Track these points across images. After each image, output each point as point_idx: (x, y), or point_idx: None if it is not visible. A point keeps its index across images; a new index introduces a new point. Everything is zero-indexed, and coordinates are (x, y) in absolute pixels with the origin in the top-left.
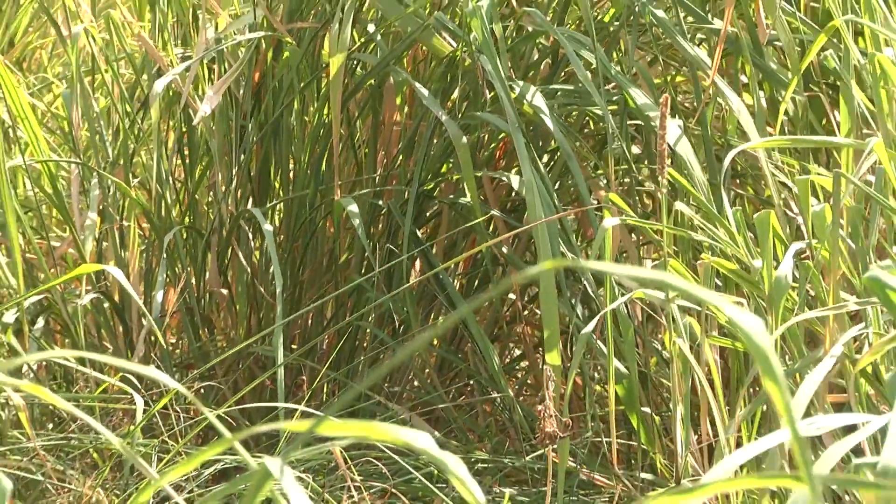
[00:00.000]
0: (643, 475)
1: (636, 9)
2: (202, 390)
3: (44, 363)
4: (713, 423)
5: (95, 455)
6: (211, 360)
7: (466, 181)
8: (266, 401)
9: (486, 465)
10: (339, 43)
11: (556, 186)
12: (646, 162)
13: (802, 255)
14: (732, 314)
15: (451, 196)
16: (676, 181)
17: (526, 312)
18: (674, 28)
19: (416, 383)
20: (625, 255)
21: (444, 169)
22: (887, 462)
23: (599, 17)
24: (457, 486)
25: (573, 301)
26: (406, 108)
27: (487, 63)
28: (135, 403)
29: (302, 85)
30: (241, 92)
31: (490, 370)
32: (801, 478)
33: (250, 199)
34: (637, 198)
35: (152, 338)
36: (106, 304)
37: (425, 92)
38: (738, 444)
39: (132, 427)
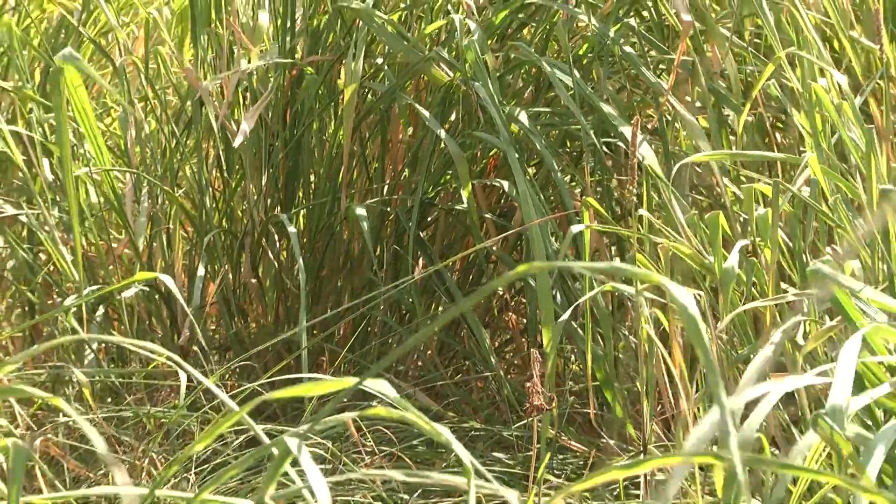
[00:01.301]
0: (613, 441)
1: (607, 43)
2: (237, 369)
3: (103, 345)
4: (676, 397)
5: (148, 424)
6: (245, 343)
7: (464, 191)
8: (291, 379)
9: (479, 433)
10: (353, 73)
11: (539, 195)
12: (615, 174)
13: (749, 253)
14: (672, 289)
15: (449, 203)
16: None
17: (513, 303)
18: (639, 60)
19: (419, 363)
20: (597, 252)
21: (443, 180)
22: (834, 403)
23: (575, 51)
24: (425, 427)
25: (554, 292)
26: (410, 129)
27: (481, 89)
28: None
29: (320, 109)
30: (270, 115)
31: (483, 352)
32: (721, 456)
33: (278, 207)
34: (609, 203)
35: (195, 325)
36: (156, 296)
37: (427, 114)
38: (696, 416)
39: (177, 401)
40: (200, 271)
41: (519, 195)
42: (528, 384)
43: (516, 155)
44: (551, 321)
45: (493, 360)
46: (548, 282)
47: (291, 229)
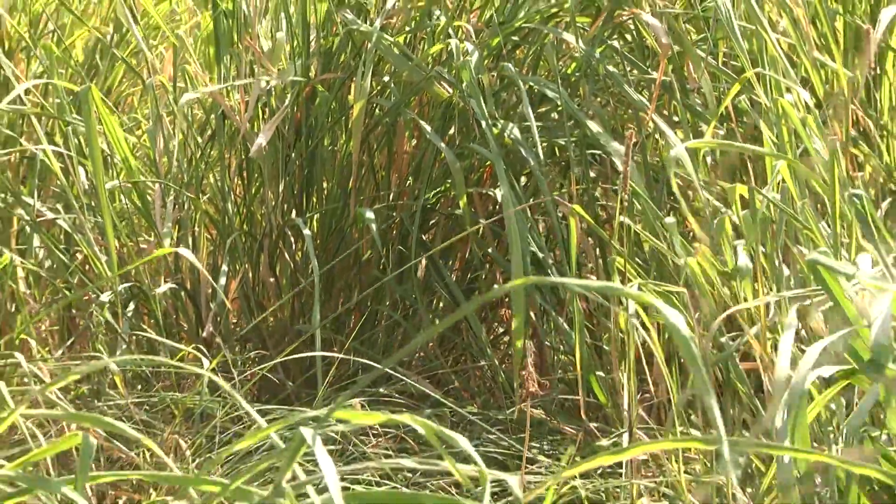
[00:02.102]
0: (598, 425)
1: (592, 63)
2: (256, 358)
3: (134, 337)
4: (656, 384)
5: (174, 409)
6: (263, 335)
7: (460, 197)
8: (305, 368)
9: (476, 417)
10: (361, 90)
11: (531, 201)
12: (599, 182)
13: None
14: (664, 311)
15: (449, 208)
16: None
17: (506, 299)
18: (622, 79)
19: (422, 353)
20: (583, 253)
21: (443, 188)
22: (878, 339)
23: (563, 70)
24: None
25: (542, 291)
26: (414, 141)
27: (475, 106)
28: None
29: (332, 123)
30: (287, 128)
31: (479, 344)
32: (711, 440)
33: (294, 211)
34: (594, 209)
35: (218, 318)
36: (182, 293)
37: (429, 128)
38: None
39: (201, 388)
40: (223, 270)
41: (503, 200)
42: (523, 372)
43: (504, 166)
44: (521, 322)
45: (488, 351)
46: (522, 293)
47: (306, 232)
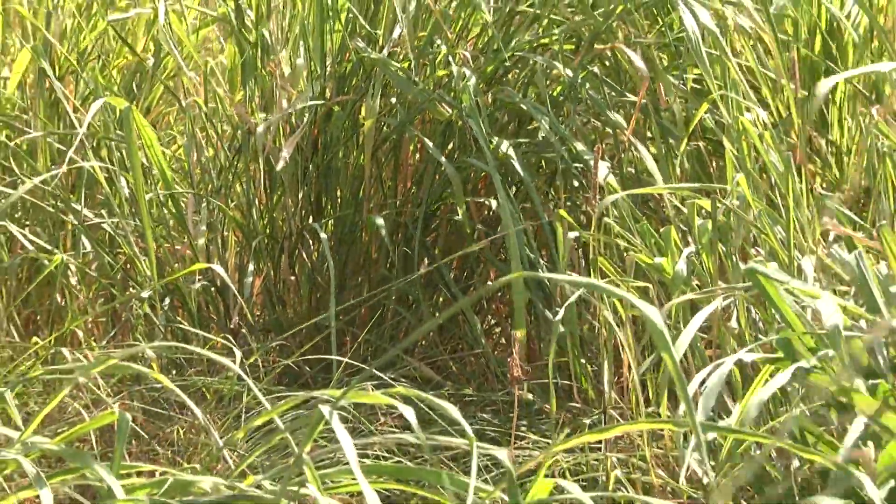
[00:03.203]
0: (579, 405)
1: (576, 86)
2: (277, 347)
3: (169, 328)
4: (630, 369)
5: (207, 392)
6: (283, 326)
7: (459, 205)
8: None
9: (472, 399)
10: (371, 110)
11: (521, 208)
12: (581, 192)
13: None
14: (640, 306)
15: (448, 215)
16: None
17: (499, 294)
18: (601, 102)
19: (423, 342)
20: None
21: (443, 196)
22: (829, 322)
23: (551, 93)
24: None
25: (530, 287)
26: (417, 155)
27: (473, 124)
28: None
29: (345, 139)
30: (305, 143)
31: (474, 333)
32: (683, 423)
33: (311, 217)
34: (577, 215)
35: (243, 311)
36: (212, 289)
37: (430, 144)
38: (644, 384)
39: (230, 374)
40: (249, 269)
41: (501, 208)
42: (509, 360)
43: (499, 176)
44: (521, 315)
45: (482, 340)
46: (522, 286)
47: (322, 235)
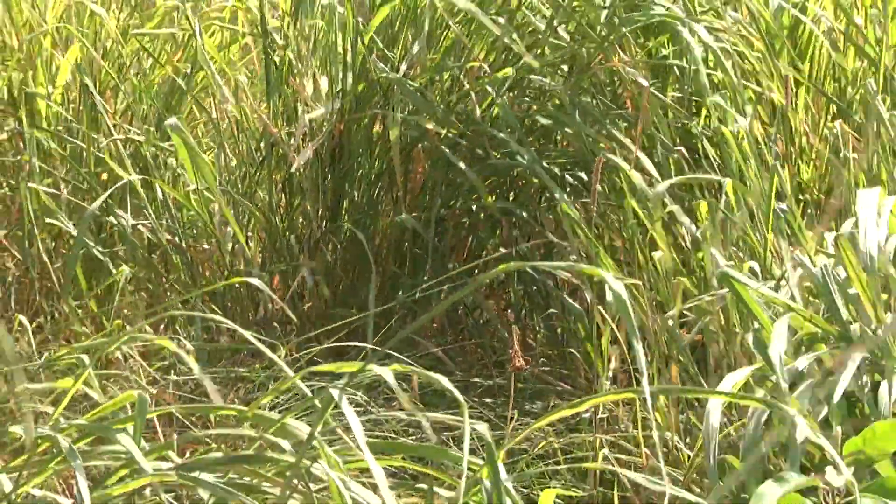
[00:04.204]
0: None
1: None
2: (299, 338)
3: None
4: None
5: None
6: (303, 319)
7: (482, 195)
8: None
9: (473, 384)
10: (394, 121)
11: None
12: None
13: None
14: (608, 280)
15: (456, 218)
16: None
17: (493, 289)
18: (600, 115)
19: (435, 324)
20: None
21: (451, 204)
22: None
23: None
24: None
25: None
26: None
27: (501, 134)
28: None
29: (361, 151)
30: (324, 153)
31: (476, 323)
32: (638, 391)
33: (328, 220)
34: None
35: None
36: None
37: (448, 151)
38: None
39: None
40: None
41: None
42: (511, 351)
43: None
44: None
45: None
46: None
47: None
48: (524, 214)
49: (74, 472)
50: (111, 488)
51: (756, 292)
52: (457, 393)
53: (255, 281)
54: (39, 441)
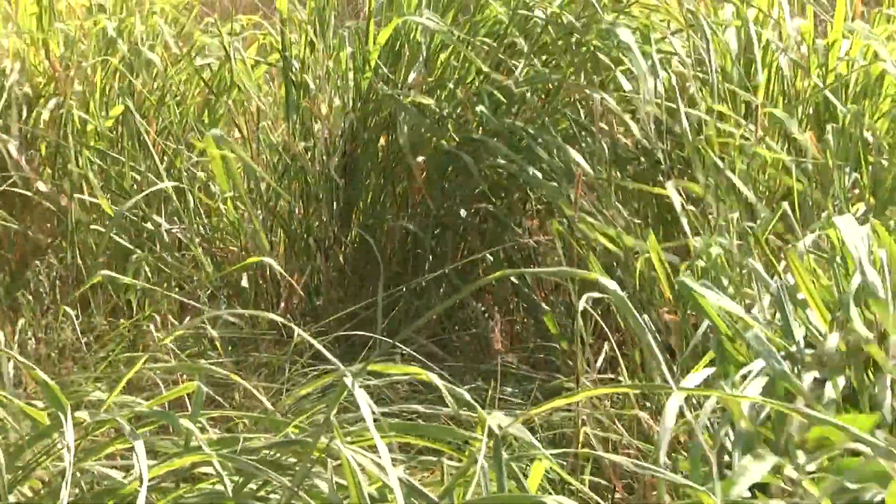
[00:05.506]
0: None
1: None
2: (314, 329)
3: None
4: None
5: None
6: (319, 312)
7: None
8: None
9: (467, 368)
10: (403, 136)
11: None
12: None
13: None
14: (602, 282)
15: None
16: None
17: (486, 292)
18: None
19: (435, 318)
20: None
21: (445, 204)
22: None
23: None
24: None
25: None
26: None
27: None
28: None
29: (371, 164)
30: (337, 165)
31: (470, 317)
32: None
33: (340, 224)
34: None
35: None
36: (260, 282)
37: (467, 157)
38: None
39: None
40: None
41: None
42: (492, 335)
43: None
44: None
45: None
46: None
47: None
48: (512, 223)
49: (134, 450)
50: (169, 462)
51: (716, 304)
52: (438, 381)
53: (268, 260)
54: (100, 424)
